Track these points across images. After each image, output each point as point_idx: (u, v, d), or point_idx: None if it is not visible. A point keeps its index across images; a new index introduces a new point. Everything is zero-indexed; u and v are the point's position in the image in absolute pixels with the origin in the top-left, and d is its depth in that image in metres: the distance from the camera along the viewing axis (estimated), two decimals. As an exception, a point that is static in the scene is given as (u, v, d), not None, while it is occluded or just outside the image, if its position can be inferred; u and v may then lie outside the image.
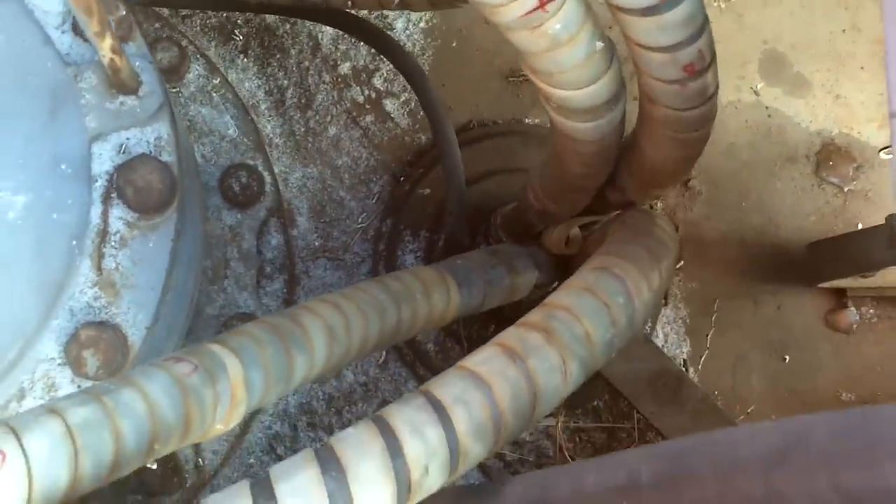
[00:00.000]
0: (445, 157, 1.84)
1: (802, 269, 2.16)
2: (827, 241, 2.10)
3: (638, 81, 1.27)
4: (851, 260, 2.00)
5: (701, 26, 1.16)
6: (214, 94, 2.02)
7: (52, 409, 0.98)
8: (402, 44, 2.14)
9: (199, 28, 2.11)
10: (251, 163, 2.01)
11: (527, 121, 2.19)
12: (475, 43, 2.19)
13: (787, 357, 2.16)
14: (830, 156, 2.22)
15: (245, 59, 2.13)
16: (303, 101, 2.14)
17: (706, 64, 1.20)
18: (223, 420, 1.13)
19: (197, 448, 1.95)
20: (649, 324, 2.13)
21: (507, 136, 2.16)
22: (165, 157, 1.39)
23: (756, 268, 2.20)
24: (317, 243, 2.11)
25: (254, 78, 2.13)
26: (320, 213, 2.12)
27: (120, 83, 1.34)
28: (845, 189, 2.20)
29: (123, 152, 1.38)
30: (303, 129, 2.13)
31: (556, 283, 1.80)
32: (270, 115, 2.12)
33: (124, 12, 1.38)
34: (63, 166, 1.35)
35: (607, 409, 2.11)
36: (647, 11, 1.12)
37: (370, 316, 1.35)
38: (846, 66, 2.24)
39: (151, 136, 1.39)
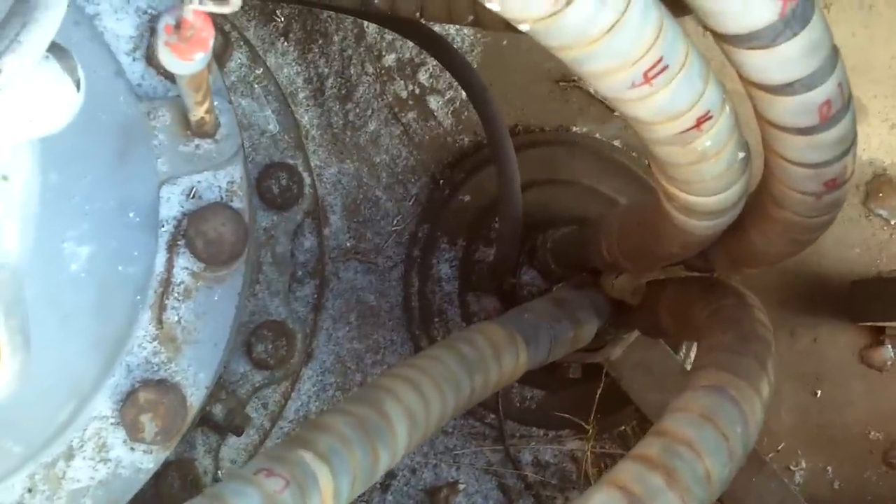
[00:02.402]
0: (504, 179, 1.75)
1: (843, 303, 2.11)
2: (873, 282, 2.05)
3: (764, 181, 1.19)
4: (898, 305, 1.96)
5: (852, 142, 1.08)
6: (256, 86, 1.90)
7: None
8: (451, 39, 2.02)
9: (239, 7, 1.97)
10: (291, 163, 1.90)
11: (574, 129, 2.09)
12: (526, 43, 2.07)
13: (819, 391, 2.12)
14: (881, 187, 2.15)
15: (285, 43, 2.00)
16: (343, 91, 2.02)
17: (847, 177, 1.12)
18: (311, 534, 1.06)
19: (215, 459, 1.88)
20: (683, 351, 2.07)
21: (553, 146, 2.06)
22: (237, 204, 1.29)
23: (795, 298, 2.14)
24: (348, 244, 2.01)
25: (293, 64, 2.00)
26: (354, 213, 2.02)
27: (199, 128, 1.23)
28: (892, 223, 2.14)
29: (194, 196, 1.27)
30: (341, 122, 2.02)
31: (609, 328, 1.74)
32: (308, 105, 2.00)
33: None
34: (131, 214, 1.24)
35: (635, 435, 2.06)
36: (803, 131, 1.04)
37: (447, 393, 1.28)
38: (905, 94, 2.17)
39: (224, 181, 1.28)
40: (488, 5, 0.86)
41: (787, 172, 1.11)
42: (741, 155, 1.09)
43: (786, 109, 1.02)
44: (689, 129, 1.00)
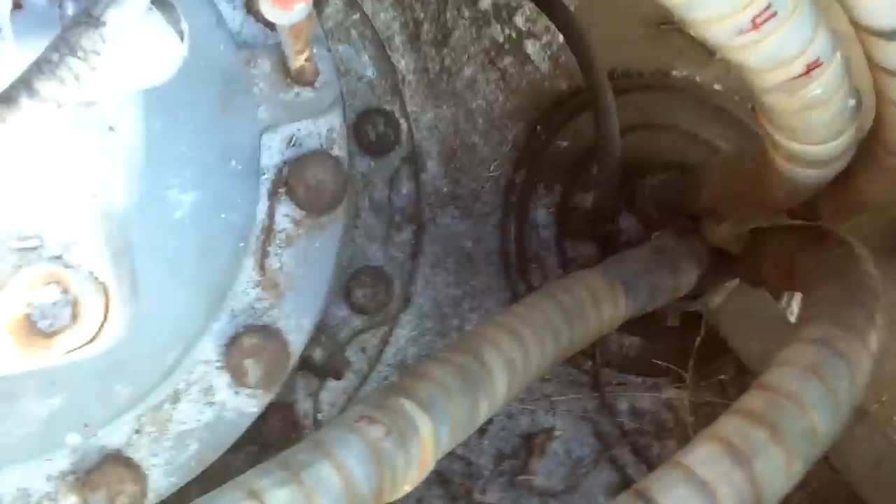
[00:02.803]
0: (601, 124, 1.73)
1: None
2: None
3: (876, 128, 1.15)
4: None
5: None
6: (353, 31, 1.89)
7: (252, 492, 0.93)
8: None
9: (337, -47, 1.96)
10: (388, 108, 1.90)
11: (674, 73, 2.05)
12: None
13: (925, 341, 2.07)
14: None
15: (382, -12, 1.99)
16: (439, 37, 2.01)
17: (963, 126, 1.08)
18: (411, 482, 1.07)
19: (315, 402, 1.90)
20: (785, 299, 2.04)
21: (651, 90, 2.03)
22: (337, 152, 1.29)
23: (901, 244, 2.08)
24: (445, 189, 2.01)
25: (389, 9, 1.99)
26: (451, 158, 2.01)
27: (299, 76, 1.23)
28: None
29: (294, 145, 1.28)
30: (437, 68, 2.01)
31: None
32: (404, 51, 1.99)
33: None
34: (233, 162, 1.25)
35: (733, 384, 2.04)
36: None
37: (546, 342, 1.28)
38: None
39: (324, 129, 1.29)
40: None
41: (897, 110, 1.07)
42: (851, 102, 1.06)
43: (897, 54, 0.98)
44: (798, 77, 0.98)
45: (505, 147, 2.03)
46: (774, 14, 0.92)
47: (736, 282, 1.87)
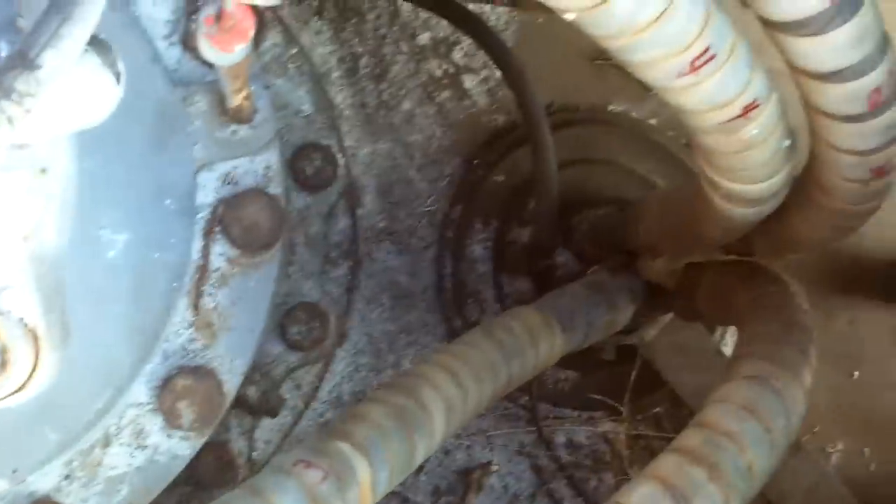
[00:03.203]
0: (539, 160, 1.74)
1: (881, 284, 2.08)
2: (913, 263, 2.02)
3: (810, 167, 1.16)
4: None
5: (900, 129, 1.06)
6: (290, 65, 1.88)
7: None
8: (486, 17, 2.00)
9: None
10: (325, 143, 1.88)
11: (611, 108, 2.07)
12: (561, 21, 2.04)
13: (856, 373, 2.10)
14: (921, 167, 2.11)
15: (319, 22, 1.98)
16: (377, 71, 2.00)
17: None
18: (350, 525, 1.06)
19: (250, 440, 1.87)
20: (719, 332, 2.05)
21: (589, 125, 2.04)
22: (273, 190, 1.28)
23: (831, 279, 2.11)
24: (382, 224, 2.00)
25: (327, 43, 1.98)
26: (387, 193, 2.00)
27: (236, 113, 1.22)
28: (932, 203, 2.10)
29: (230, 183, 1.27)
30: (375, 102, 2.00)
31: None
32: (342, 85, 1.98)
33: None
34: (167, 201, 1.24)
35: (668, 417, 2.05)
36: (852, 119, 1.02)
37: (484, 380, 1.27)
38: (946, 72, 2.12)
39: (261, 167, 1.28)
40: (534, -6, 0.84)
41: (834, 160, 1.09)
42: (787, 142, 1.08)
43: (835, 97, 1.00)
44: (736, 118, 0.98)
45: (442, 182, 2.02)
46: (713, 57, 0.93)
47: (670, 315, 1.88)
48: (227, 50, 0.84)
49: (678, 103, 0.98)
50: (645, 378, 1.98)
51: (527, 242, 1.92)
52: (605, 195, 1.95)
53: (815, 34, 0.93)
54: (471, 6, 1.91)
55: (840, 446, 2.12)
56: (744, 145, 1.02)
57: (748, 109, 0.98)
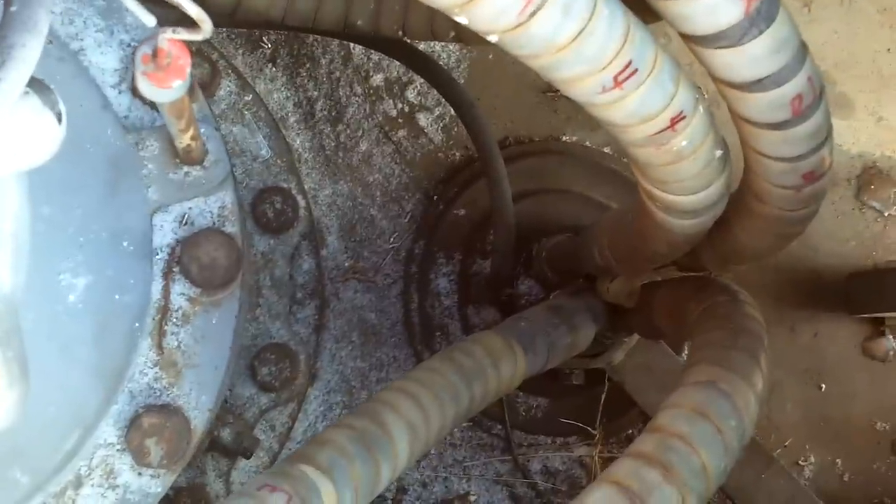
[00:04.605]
0: (495, 193, 1.77)
1: (841, 297, 2.12)
2: (870, 274, 2.06)
3: (745, 177, 1.20)
4: (896, 296, 1.97)
5: (826, 134, 1.10)
6: (246, 112, 1.92)
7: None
8: (437, 56, 2.05)
9: (225, 35, 2.00)
10: (285, 186, 1.92)
11: (564, 138, 2.11)
12: (512, 56, 2.09)
13: (823, 385, 2.13)
14: (872, 179, 2.16)
15: (273, 69, 2.02)
16: (333, 113, 2.05)
17: (825, 169, 1.14)
18: (315, 547, 1.07)
19: (226, 483, 1.89)
20: (686, 351, 2.08)
21: (543, 155, 2.09)
22: (229, 228, 1.31)
23: (793, 294, 2.15)
24: (347, 264, 2.04)
25: (282, 89, 2.03)
26: (351, 233, 2.04)
27: (187, 155, 1.25)
28: (886, 214, 2.16)
29: (186, 223, 1.29)
30: (333, 144, 2.04)
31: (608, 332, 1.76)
32: (300, 129, 2.02)
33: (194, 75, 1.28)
34: (125, 243, 1.26)
35: (641, 438, 2.07)
36: (777, 126, 1.05)
37: (446, 403, 1.30)
38: (889, 86, 2.18)
39: (215, 206, 1.31)
40: (457, 19, 0.88)
41: (764, 167, 1.12)
42: (718, 153, 1.11)
43: (757, 106, 1.03)
44: (663, 130, 1.02)
45: (403, 218, 2.06)
46: (635, 71, 0.96)
47: (636, 338, 1.91)
48: (164, 86, 0.88)
49: (607, 118, 1.01)
50: (616, 400, 2.01)
51: (488, 274, 1.95)
52: (563, 223, 1.99)
53: (731, 46, 0.97)
54: (421, 46, 1.95)
55: (812, 459, 2.15)
56: (675, 157, 1.06)
57: (675, 121, 1.02)
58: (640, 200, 1.26)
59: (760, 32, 0.97)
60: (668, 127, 1.02)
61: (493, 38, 0.90)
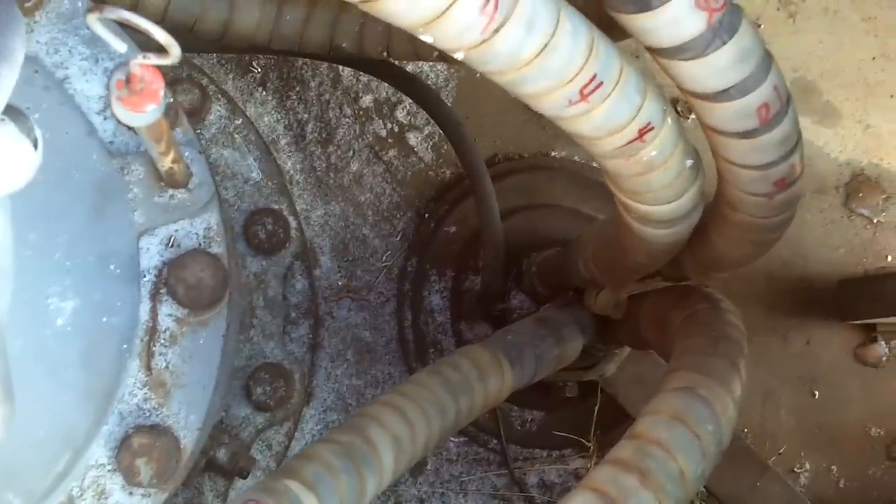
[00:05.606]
0: (483, 210, 1.79)
1: (832, 304, 2.14)
2: (860, 280, 2.08)
3: (718, 186, 1.22)
4: (888, 302, 1.98)
5: (796, 142, 1.12)
6: (237, 136, 1.95)
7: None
8: (425, 76, 2.07)
9: (216, 60, 2.02)
10: (276, 207, 1.95)
11: (553, 154, 2.13)
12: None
13: (817, 392, 2.15)
14: (860, 187, 2.18)
15: (263, 92, 2.05)
16: (324, 135, 2.07)
17: (796, 176, 1.15)
18: (301, 562, 1.09)
19: (224, 501, 1.91)
20: (678, 362, 2.09)
21: (532, 171, 2.11)
22: (215, 249, 1.33)
23: (784, 302, 2.17)
24: (340, 283, 2.06)
25: (273, 112, 2.05)
26: (343, 252, 2.06)
27: (170, 178, 1.27)
28: (875, 220, 2.17)
29: (172, 246, 1.31)
30: (324, 165, 2.07)
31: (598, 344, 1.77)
32: (290, 151, 2.05)
33: (171, 99, 1.31)
34: (112, 266, 1.29)
35: (636, 449, 2.08)
36: (745, 135, 1.07)
37: (432, 418, 1.31)
38: (876, 94, 2.20)
39: (201, 228, 1.33)
40: (422, 38, 0.90)
41: (736, 176, 1.14)
42: (689, 162, 1.12)
43: (724, 115, 1.05)
44: (632, 141, 1.04)
45: (395, 237, 2.08)
46: (601, 84, 0.98)
47: (627, 350, 1.93)
48: (139, 111, 0.90)
49: (576, 131, 1.03)
50: (610, 412, 2.02)
51: (478, 290, 1.97)
52: (553, 237, 2.01)
53: (695, 58, 0.99)
54: (409, 67, 1.98)
55: (808, 466, 2.16)
56: (645, 167, 1.08)
57: (643, 132, 1.04)
58: (617, 212, 1.28)
59: (724, 43, 0.98)
60: (637, 138, 1.03)
61: (459, 56, 0.92)
